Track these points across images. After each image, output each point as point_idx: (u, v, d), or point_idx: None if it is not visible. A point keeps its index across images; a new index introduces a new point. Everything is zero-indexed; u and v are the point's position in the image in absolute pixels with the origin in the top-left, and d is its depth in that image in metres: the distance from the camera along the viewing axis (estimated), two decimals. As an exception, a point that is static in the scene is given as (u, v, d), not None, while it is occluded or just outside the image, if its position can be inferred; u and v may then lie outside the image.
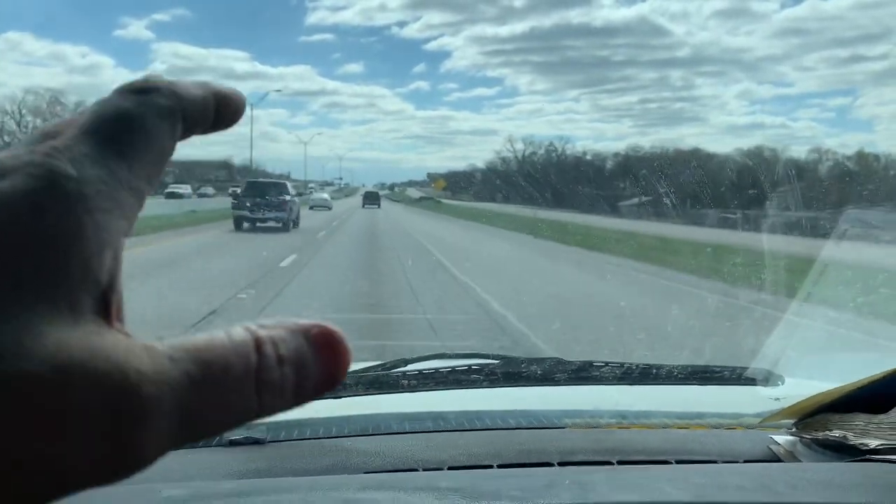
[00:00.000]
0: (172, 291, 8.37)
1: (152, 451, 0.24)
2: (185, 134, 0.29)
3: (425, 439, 1.20)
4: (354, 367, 1.45)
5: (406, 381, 1.34)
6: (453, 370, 1.38)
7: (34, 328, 0.23)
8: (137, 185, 0.27)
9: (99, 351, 0.23)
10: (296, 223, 20.69)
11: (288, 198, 20.59)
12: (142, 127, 0.27)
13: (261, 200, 19.91)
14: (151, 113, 0.28)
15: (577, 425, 1.32)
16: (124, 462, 0.23)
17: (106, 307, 0.25)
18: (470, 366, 1.40)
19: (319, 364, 0.27)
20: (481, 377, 1.38)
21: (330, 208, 39.82)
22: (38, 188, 0.24)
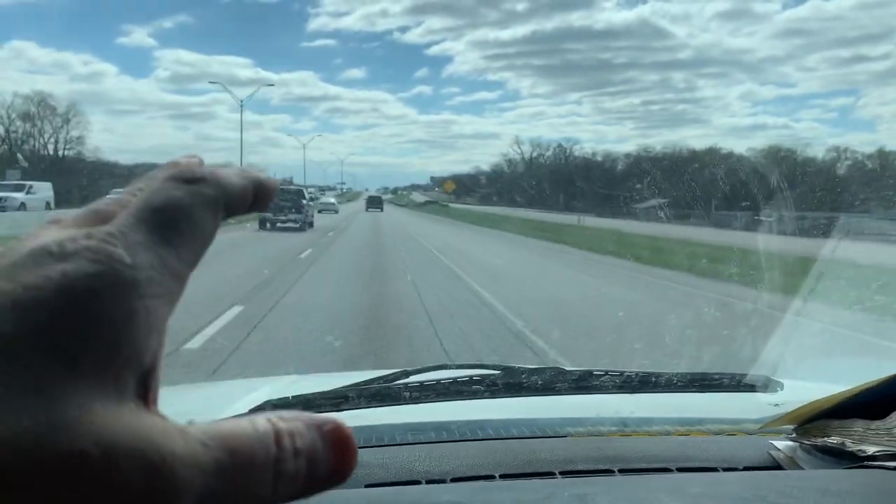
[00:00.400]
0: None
1: None
2: (225, 217, 0.31)
3: (428, 450, 1.21)
4: (356, 379, 1.46)
5: (408, 393, 1.35)
6: (455, 381, 1.39)
7: (86, 408, 0.24)
8: (183, 272, 0.29)
9: (141, 432, 0.25)
10: (311, 224, 24.22)
11: (304, 202, 24.02)
12: (190, 217, 0.29)
13: (282, 204, 22.57)
14: (199, 203, 0.29)
15: (578, 434, 1.33)
16: None
17: (146, 389, 0.27)
18: (471, 377, 1.41)
19: (330, 459, 0.28)
20: (483, 388, 1.39)
21: (336, 212, 46.91)
22: (97, 273, 0.26)
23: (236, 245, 16.74)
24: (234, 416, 0.28)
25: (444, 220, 35.02)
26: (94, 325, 0.25)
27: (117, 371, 0.25)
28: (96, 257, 0.26)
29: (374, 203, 55.43)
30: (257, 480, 0.26)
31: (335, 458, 0.28)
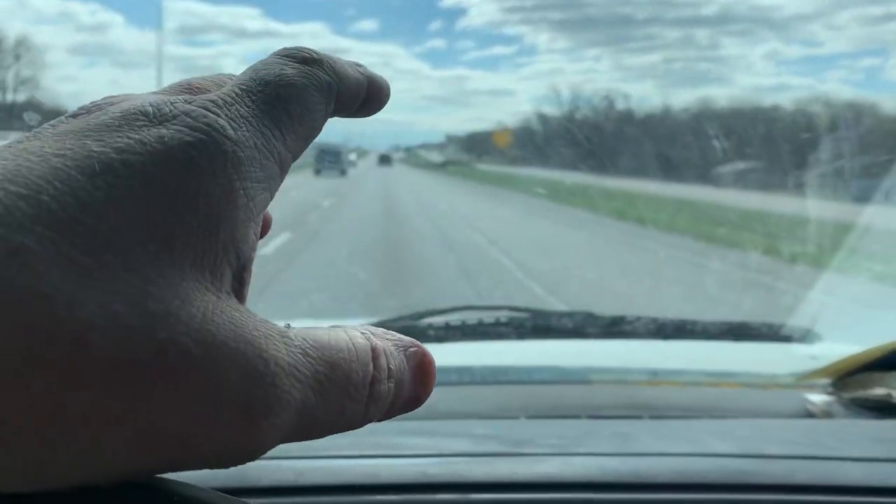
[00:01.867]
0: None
1: (269, 441, 0.23)
2: (334, 113, 0.29)
3: (450, 392, 1.20)
4: (381, 318, 1.45)
5: (432, 332, 1.33)
6: (481, 322, 1.36)
7: (185, 295, 0.21)
8: (286, 158, 0.26)
9: (242, 331, 0.22)
10: (345, 173, 33.69)
11: (343, 156, 34.19)
12: (302, 98, 0.26)
13: (328, 159, 32.43)
14: (313, 85, 0.27)
15: (605, 381, 1.30)
16: (244, 448, 0.22)
17: (241, 284, 0.24)
18: (498, 318, 1.39)
19: (412, 382, 0.27)
20: (510, 329, 1.36)
21: (355, 165, 48.38)
22: (196, 143, 0.23)
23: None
24: (329, 327, 0.26)
25: (480, 189, 25.77)
26: (192, 201, 0.22)
27: (214, 258, 0.22)
28: (196, 124, 0.23)
29: (384, 161, 61.64)
30: (353, 399, 0.24)
31: (416, 381, 0.27)
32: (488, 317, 1.39)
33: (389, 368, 0.26)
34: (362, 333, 0.26)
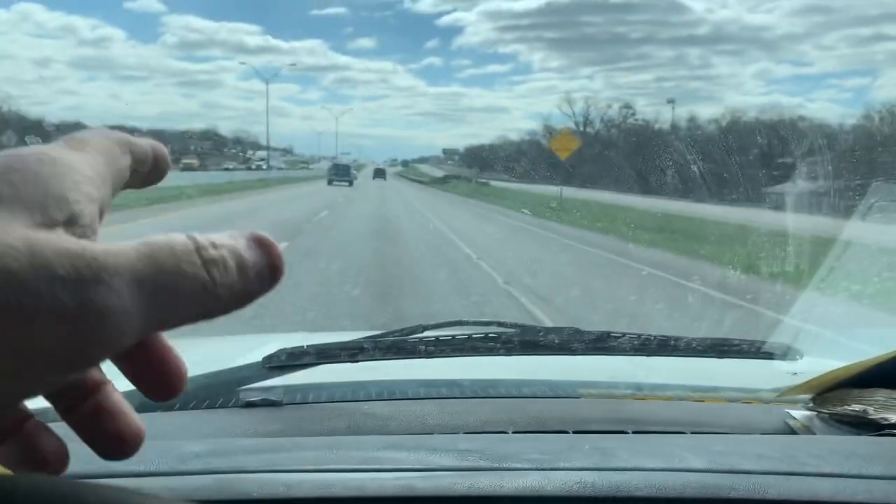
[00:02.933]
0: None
1: (123, 323, 0.28)
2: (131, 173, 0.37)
3: (440, 405, 1.21)
4: (371, 333, 1.46)
5: (423, 347, 1.35)
6: (470, 337, 1.38)
7: (9, 230, 0.27)
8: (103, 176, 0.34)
9: (71, 248, 0.28)
10: (352, 183, 43.34)
11: (351, 171, 46.57)
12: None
13: (339, 171, 45.39)
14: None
15: (592, 395, 1.32)
16: (101, 335, 0.27)
17: (75, 227, 0.30)
18: (487, 334, 1.41)
19: (256, 255, 0.31)
20: (498, 345, 1.38)
21: (357, 178, 54.21)
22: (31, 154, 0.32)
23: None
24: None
25: (503, 216, 19.54)
26: (20, 173, 0.30)
27: (44, 206, 0.29)
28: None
29: (379, 174, 67.07)
30: (185, 263, 0.29)
31: (261, 253, 0.32)
32: (477, 333, 1.41)
33: (212, 241, 0.31)
34: (186, 235, 0.31)
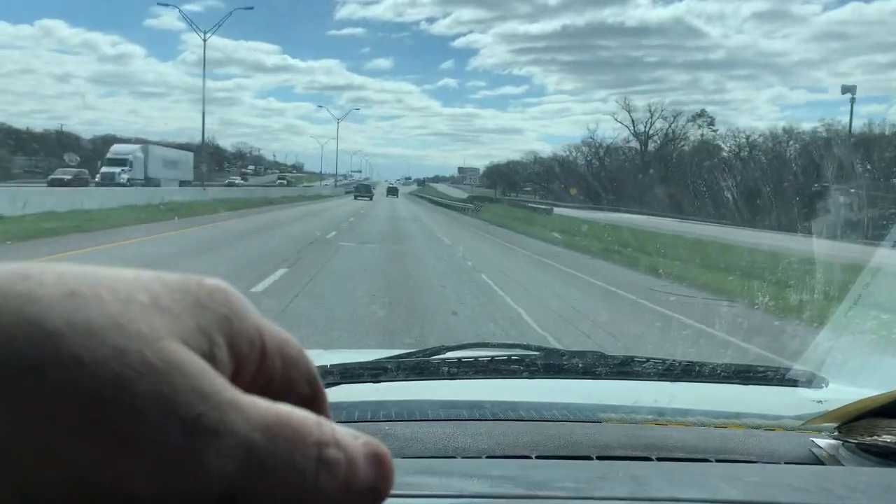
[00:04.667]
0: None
1: (214, 468, 0.25)
2: None
3: (462, 427, 1.21)
4: (394, 352, 1.47)
5: (445, 369, 1.35)
6: (493, 359, 1.38)
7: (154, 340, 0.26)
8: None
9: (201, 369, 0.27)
10: (372, 198, 55.91)
11: (371, 188, 66.14)
12: None
13: (362, 189, 63.57)
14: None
15: (614, 420, 1.32)
16: (187, 486, 0.25)
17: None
18: (510, 356, 1.41)
19: (367, 466, 0.29)
20: (521, 367, 1.38)
21: (374, 193, 65.02)
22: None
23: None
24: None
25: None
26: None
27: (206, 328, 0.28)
28: None
29: (392, 191, 76.27)
30: (301, 452, 0.27)
31: (371, 467, 0.29)
32: (500, 354, 1.41)
33: (337, 440, 0.28)
34: (321, 424, 0.29)
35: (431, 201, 61.18)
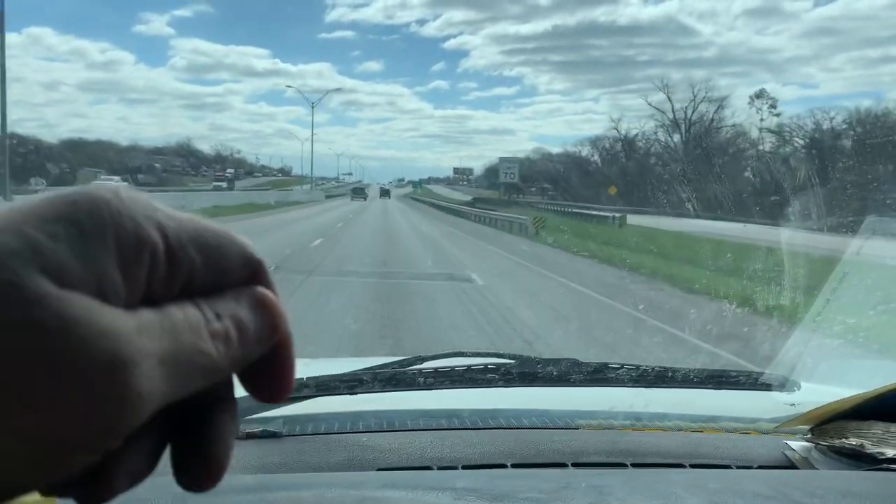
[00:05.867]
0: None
1: (148, 405, 0.27)
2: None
3: (439, 437, 1.21)
4: (370, 363, 1.46)
5: (422, 379, 1.35)
6: (469, 369, 1.39)
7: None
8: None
9: (108, 314, 0.27)
10: (366, 198, 70.07)
11: (366, 190, 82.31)
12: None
13: (358, 191, 79.95)
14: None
15: (590, 426, 1.32)
16: (126, 419, 0.27)
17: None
18: (486, 365, 1.41)
19: (258, 319, 0.32)
20: (497, 376, 1.39)
21: (368, 195, 73.81)
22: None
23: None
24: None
25: None
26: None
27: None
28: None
29: (384, 192, 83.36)
30: (194, 337, 0.29)
31: (262, 317, 0.32)
32: (476, 364, 1.41)
33: (216, 311, 0.31)
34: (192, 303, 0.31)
35: (436, 207, 51.58)
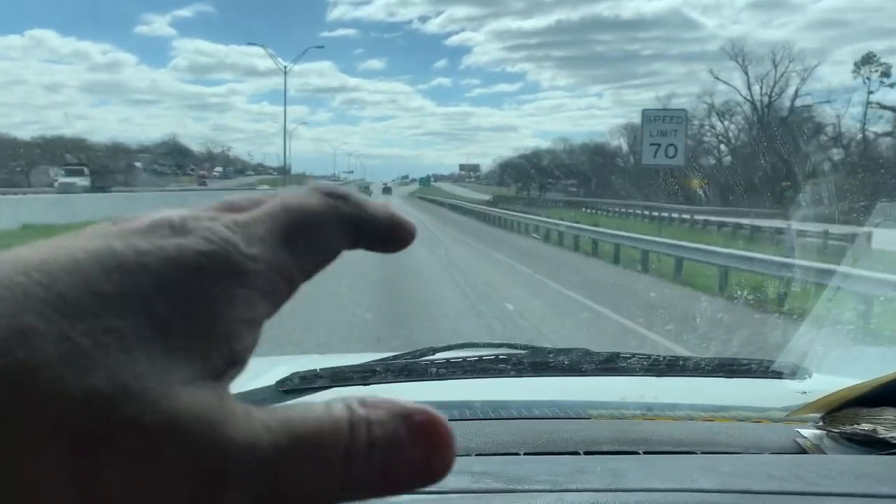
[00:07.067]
0: None
1: None
2: (356, 245, 0.30)
3: (452, 427, 1.22)
4: (383, 354, 1.47)
5: (434, 370, 1.36)
6: (480, 359, 1.39)
7: (164, 378, 0.23)
8: (295, 278, 0.28)
9: (207, 412, 0.23)
10: (370, 195, 56.61)
11: (370, 188, 67.78)
12: (320, 226, 0.29)
13: (362, 189, 54.64)
14: (333, 217, 0.29)
15: (602, 416, 1.33)
16: None
17: (228, 374, 0.26)
18: (497, 355, 1.42)
19: (416, 453, 0.26)
20: (508, 366, 1.39)
21: (372, 192, 66.48)
22: (209, 252, 0.26)
23: None
24: (310, 402, 0.26)
25: None
26: (193, 300, 0.25)
27: (206, 350, 0.24)
28: (213, 237, 0.26)
29: (386, 190, 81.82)
30: (321, 472, 0.24)
31: (423, 451, 0.26)
32: (488, 354, 1.42)
33: (372, 439, 0.25)
34: (346, 404, 0.25)
35: (433, 204, 44.63)
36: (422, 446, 0.26)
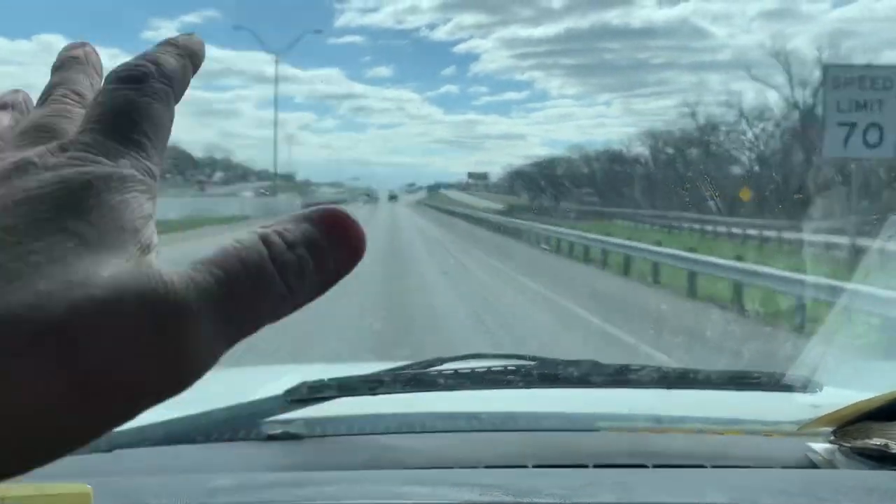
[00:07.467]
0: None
1: (203, 349, 0.27)
2: (177, 98, 0.34)
3: (460, 439, 1.22)
4: (391, 365, 1.47)
5: (442, 380, 1.36)
6: (489, 370, 1.39)
7: (97, 267, 0.27)
8: (154, 168, 0.31)
9: (140, 274, 0.27)
10: (377, 202, 56.74)
11: (377, 195, 61.67)
12: (150, 115, 0.31)
13: (370, 196, 57.22)
14: (153, 100, 0.32)
15: (612, 428, 1.32)
16: (181, 364, 0.27)
17: (149, 258, 0.29)
18: (506, 366, 1.41)
19: (334, 242, 0.30)
20: (517, 378, 1.39)
21: (378, 199, 66.28)
22: (88, 172, 0.29)
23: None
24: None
25: None
26: (94, 209, 0.28)
27: (123, 244, 0.28)
28: (82, 163, 0.29)
29: (392, 198, 78.45)
30: (260, 279, 0.28)
31: (339, 239, 0.30)
32: (496, 365, 1.41)
33: (286, 240, 0.29)
34: (251, 231, 0.29)
35: (445, 213, 36.74)
36: (335, 229, 0.30)
